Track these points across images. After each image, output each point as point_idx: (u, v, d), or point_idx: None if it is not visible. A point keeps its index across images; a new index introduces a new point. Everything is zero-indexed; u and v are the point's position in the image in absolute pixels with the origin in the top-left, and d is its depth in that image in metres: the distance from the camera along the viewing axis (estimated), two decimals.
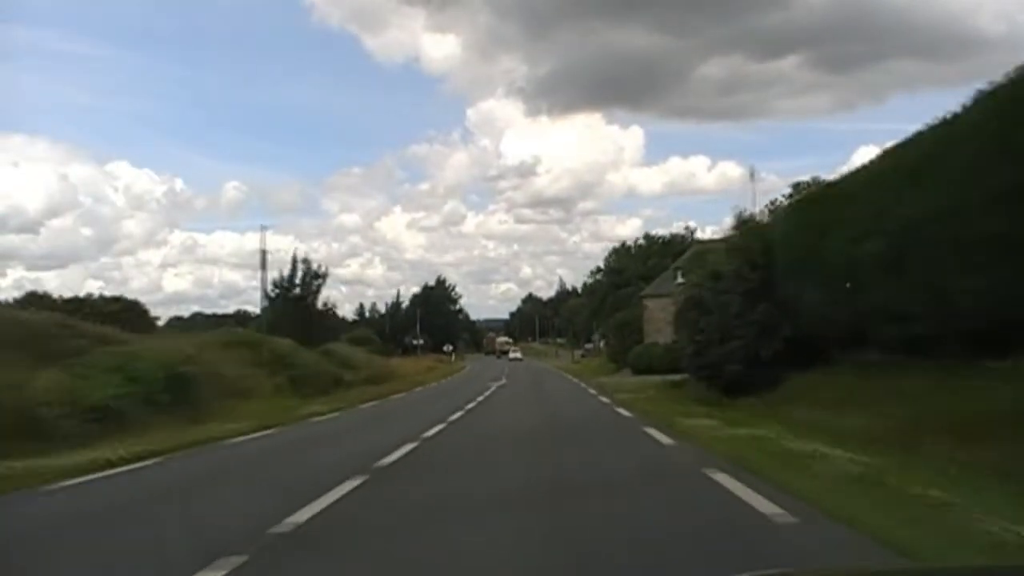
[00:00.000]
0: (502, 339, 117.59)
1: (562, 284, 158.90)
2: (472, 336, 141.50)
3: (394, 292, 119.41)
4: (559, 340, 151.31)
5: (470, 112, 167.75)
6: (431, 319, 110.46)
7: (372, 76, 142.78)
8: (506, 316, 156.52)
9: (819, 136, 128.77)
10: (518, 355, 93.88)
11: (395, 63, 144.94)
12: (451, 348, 75.76)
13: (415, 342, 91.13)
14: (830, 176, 19.32)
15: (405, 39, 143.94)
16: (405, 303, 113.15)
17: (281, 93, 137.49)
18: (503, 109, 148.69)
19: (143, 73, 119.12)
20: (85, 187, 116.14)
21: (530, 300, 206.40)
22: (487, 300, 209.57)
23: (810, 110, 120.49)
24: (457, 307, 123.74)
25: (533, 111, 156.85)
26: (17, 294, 41.79)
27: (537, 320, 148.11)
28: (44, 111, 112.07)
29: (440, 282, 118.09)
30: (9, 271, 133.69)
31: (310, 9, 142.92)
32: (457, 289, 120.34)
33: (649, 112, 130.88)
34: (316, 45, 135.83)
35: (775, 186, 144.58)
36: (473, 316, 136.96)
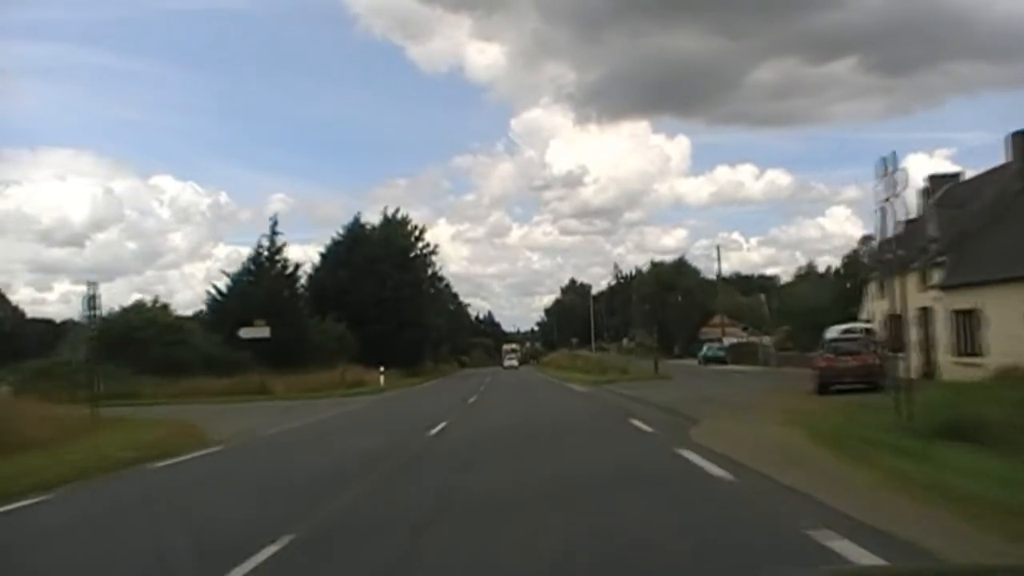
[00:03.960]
0: (508, 346, 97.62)
1: (618, 271, 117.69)
2: (496, 343, 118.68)
3: None
4: (627, 342, 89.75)
5: (514, 122, 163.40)
6: (370, 292, 50.64)
7: (416, 86, 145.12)
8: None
9: (870, 144, 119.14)
10: (514, 363, 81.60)
11: (439, 73, 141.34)
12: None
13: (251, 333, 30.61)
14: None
15: (449, 48, 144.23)
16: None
17: (325, 105, 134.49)
18: (550, 118, 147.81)
19: (187, 88, 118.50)
20: (130, 201, 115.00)
21: (572, 290, 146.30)
22: (530, 312, 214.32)
23: (864, 115, 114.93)
24: (442, 280, 63.01)
25: (582, 118, 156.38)
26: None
27: (592, 314, 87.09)
28: (89, 126, 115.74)
29: (395, 223, 57.15)
30: (55, 284, 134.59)
31: (353, 21, 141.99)
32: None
33: (698, 118, 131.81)
34: (360, 56, 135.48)
35: (822, 195, 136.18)
36: (514, 328, 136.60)
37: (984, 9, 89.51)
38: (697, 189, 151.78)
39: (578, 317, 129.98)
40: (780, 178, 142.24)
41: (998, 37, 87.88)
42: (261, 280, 44.09)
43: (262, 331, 33.13)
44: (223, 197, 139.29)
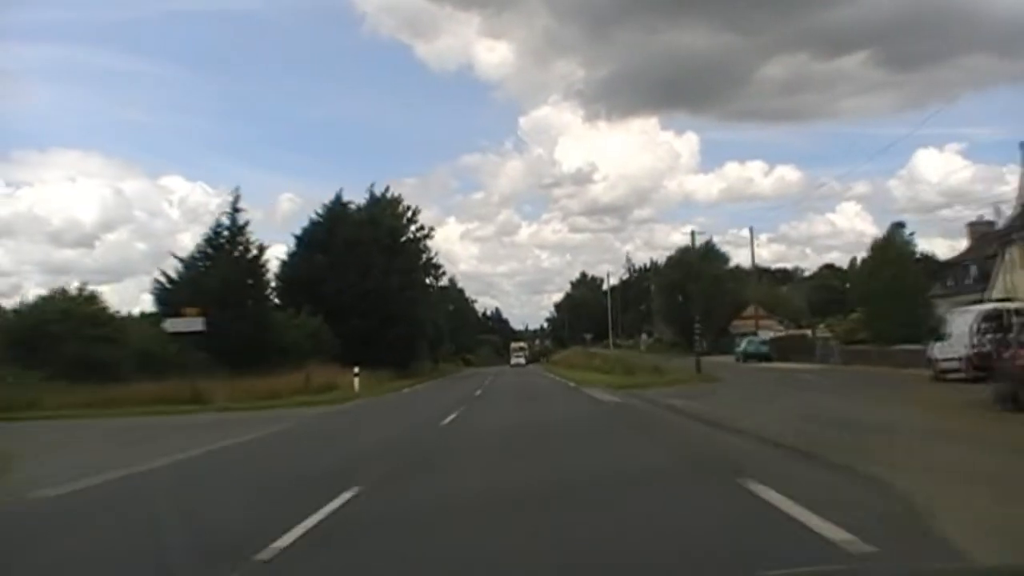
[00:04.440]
0: (515, 345, 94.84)
1: (631, 264, 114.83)
2: (503, 341, 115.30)
3: None
4: (646, 337, 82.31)
5: (523, 120, 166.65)
6: (352, 280, 43.68)
7: (424, 85, 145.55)
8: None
9: (880, 140, 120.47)
10: (521, 360, 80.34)
11: (447, 71, 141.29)
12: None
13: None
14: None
15: (458, 46, 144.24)
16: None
17: (333, 105, 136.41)
18: (559, 115, 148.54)
19: (195, 89, 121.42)
20: (139, 201, 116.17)
21: (584, 284, 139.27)
22: (539, 311, 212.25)
23: (874, 111, 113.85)
24: (438, 267, 55.62)
25: (592, 115, 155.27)
26: None
27: (609, 306, 78.44)
28: (98, 127, 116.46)
29: (384, 202, 49.83)
30: (66, 286, 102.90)
31: (361, 20, 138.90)
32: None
33: (709, 115, 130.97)
34: (367, 55, 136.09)
35: (832, 191, 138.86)
36: (523, 326, 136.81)
37: (995, 3, 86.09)
38: (707, 186, 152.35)
39: (590, 312, 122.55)
40: (789, 174, 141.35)
41: (1009, 31, 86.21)
42: (219, 264, 36.84)
43: (193, 323, 25.78)
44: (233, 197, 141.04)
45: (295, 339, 39.04)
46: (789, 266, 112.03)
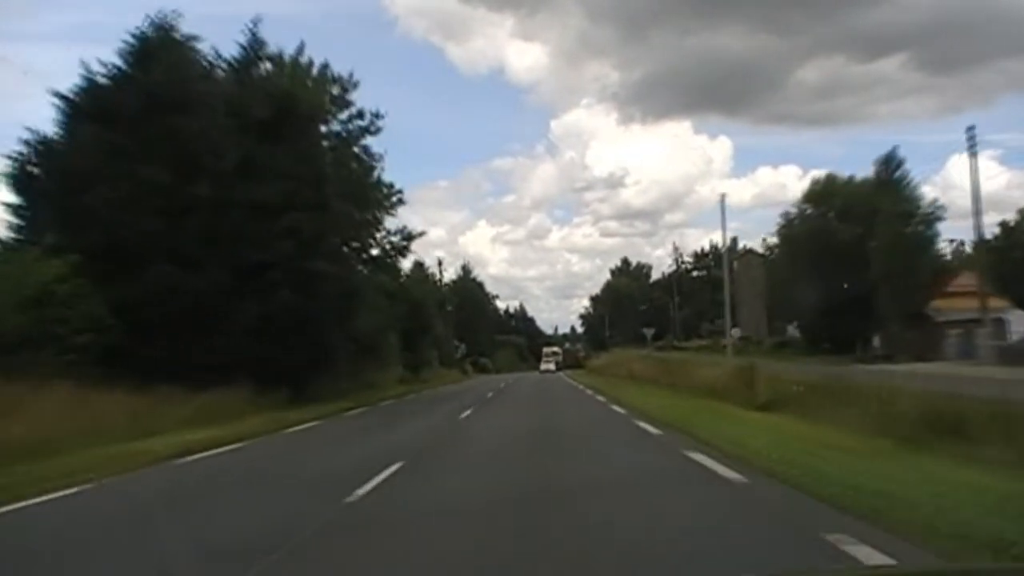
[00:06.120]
0: (548, 349, 79.92)
1: (679, 254, 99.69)
2: (529, 342, 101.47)
3: None
4: (736, 334, 57.31)
5: (554, 124, 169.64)
6: (163, 182, 18.58)
7: (456, 88, 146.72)
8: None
9: (916, 145, 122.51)
10: (550, 366, 67.53)
11: (479, 74, 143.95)
12: None
13: None
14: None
15: (490, 49, 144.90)
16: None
17: (365, 106, 67.47)
18: (591, 119, 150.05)
19: None
20: None
21: (626, 273, 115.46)
22: (568, 316, 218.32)
23: (910, 115, 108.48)
24: (396, 196, 30.52)
25: (626, 118, 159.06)
26: None
27: (726, 270, 50.09)
28: None
29: (281, 62, 25.71)
30: None
31: (394, 23, 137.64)
32: None
33: (743, 118, 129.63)
34: (400, 58, 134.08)
35: None
36: (552, 330, 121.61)
37: None
38: (739, 190, 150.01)
39: (634, 306, 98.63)
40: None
41: None
42: None
43: None
44: None
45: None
46: None
